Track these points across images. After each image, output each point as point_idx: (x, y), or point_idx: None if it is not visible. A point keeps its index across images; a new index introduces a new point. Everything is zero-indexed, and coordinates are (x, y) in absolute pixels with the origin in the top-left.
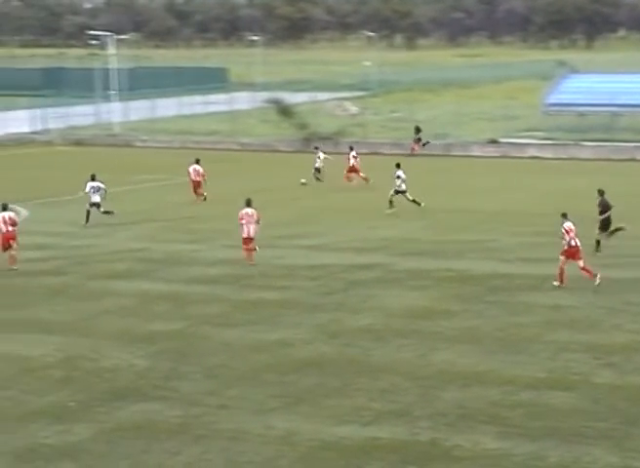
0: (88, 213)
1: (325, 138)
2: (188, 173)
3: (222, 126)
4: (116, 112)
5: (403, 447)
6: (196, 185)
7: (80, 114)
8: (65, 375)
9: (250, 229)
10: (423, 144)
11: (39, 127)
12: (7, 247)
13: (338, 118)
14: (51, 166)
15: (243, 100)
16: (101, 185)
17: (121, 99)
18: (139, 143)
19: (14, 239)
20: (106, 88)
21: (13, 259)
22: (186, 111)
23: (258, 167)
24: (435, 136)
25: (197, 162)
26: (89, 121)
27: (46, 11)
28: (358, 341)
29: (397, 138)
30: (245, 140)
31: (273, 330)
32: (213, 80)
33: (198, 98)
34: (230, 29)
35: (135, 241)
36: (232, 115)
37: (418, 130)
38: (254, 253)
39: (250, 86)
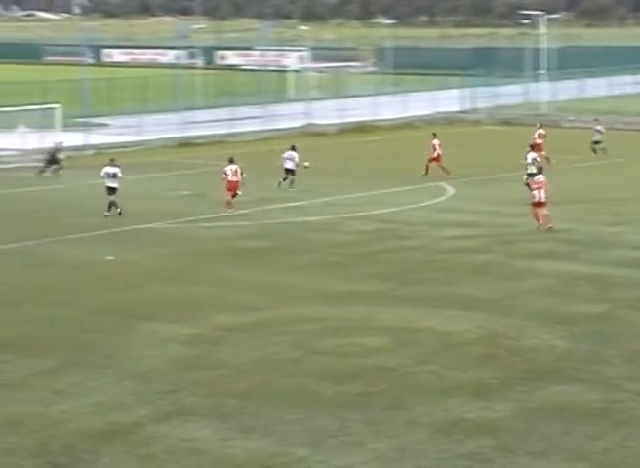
0: None
1: None
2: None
3: None
4: (544, 92)
5: None
6: (435, 160)
7: (508, 94)
8: (486, 353)
9: (541, 194)
10: None
11: (468, 106)
12: (234, 194)
13: None
14: (478, 145)
15: None
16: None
17: (550, 79)
18: (565, 123)
19: (238, 187)
20: (535, 68)
21: (230, 204)
22: (616, 91)
23: None
24: None
25: (434, 134)
26: (517, 100)
27: None
28: None
29: None
30: None
31: None
32: None
33: (629, 78)
34: None
35: (559, 221)
36: None
37: None
38: (548, 217)
39: None
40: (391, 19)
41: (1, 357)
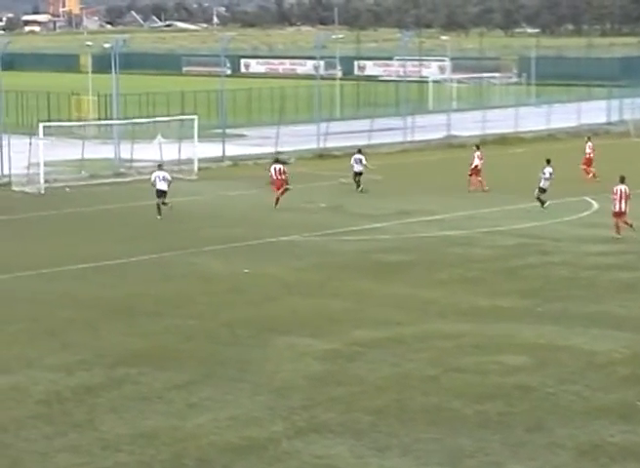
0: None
1: None
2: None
3: None
4: None
5: None
6: (474, 173)
7: None
8: (632, 373)
9: (621, 204)
10: None
11: (615, 118)
12: (280, 188)
13: None
14: (625, 158)
15: None
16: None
17: None
18: None
19: (285, 184)
20: None
21: (278, 201)
22: None
23: None
24: None
25: (477, 147)
26: None
27: None
28: None
29: None
30: None
31: None
32: None
33: None
34: None
35: None
36: None
37: None
38: (623, 226)
39: None
40: (535, 27)
41: (138, 369)
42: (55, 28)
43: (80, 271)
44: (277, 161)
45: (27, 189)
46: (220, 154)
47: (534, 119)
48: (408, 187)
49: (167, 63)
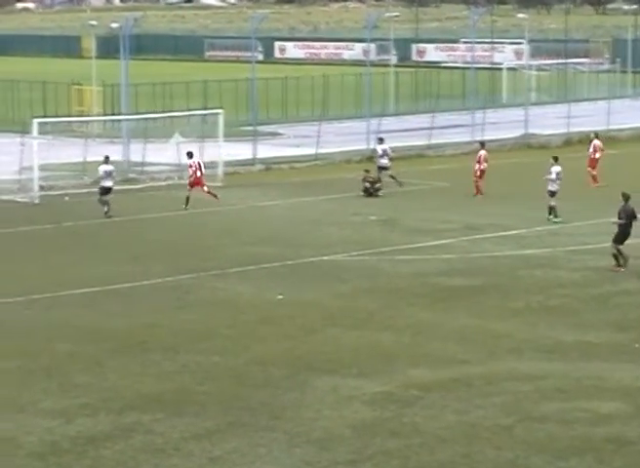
0: None
1: None
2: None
3: None
4: None
5: None
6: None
7: None
8: None
9: None
10: None
11: None
12: (196, 185)
13: None
14: None
15: None
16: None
17: None
18: None
19: (201, 181)
20: None
21: (188, 201)
22: None
23: None
24: None
25: (482, 145)
26: None
27: None
28: None
29: None
30: None
31: None
32: None
33: None
34: None
35: None
36: None
37: None
38: None
39: None
40: (633, 3)
41: (150, 416)
42: (52, 5)
43: (82, 297)
44: (191, 155)
45: (19, 198)
46: (250, 156)
47: (630, 114)
48: (477, 197)
49: (187, 47)
